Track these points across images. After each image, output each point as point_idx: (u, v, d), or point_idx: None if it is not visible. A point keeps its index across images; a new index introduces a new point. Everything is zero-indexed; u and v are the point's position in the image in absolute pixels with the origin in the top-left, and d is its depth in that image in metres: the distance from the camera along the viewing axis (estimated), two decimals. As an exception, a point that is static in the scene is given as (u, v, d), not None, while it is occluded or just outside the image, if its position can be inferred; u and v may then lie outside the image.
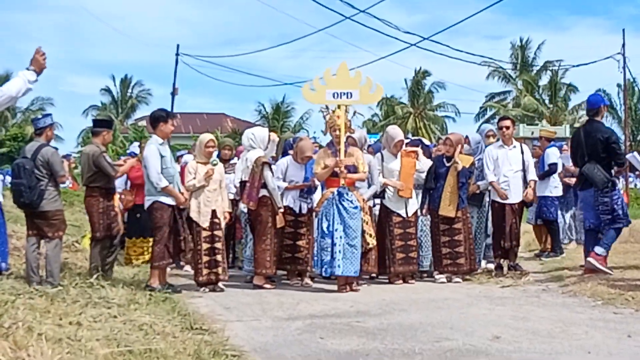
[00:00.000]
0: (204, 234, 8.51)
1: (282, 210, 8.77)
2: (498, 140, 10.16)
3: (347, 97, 8.95)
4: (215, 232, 8.59)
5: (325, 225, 8.43)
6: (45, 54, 5.74)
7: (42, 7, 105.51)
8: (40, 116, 8.41)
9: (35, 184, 7.76)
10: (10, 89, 5.60)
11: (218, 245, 8.59)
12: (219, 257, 8.56)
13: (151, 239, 8.64)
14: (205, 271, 8.49)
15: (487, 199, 9.95)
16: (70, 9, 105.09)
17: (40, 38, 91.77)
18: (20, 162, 7.85)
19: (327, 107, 8.92)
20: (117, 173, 8.93)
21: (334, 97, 8.94)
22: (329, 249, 8.36)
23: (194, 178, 8.52)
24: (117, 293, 7.17)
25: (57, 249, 8.02)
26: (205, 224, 8.51)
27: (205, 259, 8.49)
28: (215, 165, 8.72)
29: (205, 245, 8.49)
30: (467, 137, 10.43)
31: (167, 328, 5.62)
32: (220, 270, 8.57)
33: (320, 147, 10.04)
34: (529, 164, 9.86)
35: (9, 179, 8.48)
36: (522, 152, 9.87)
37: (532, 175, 9.87)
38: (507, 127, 9.85)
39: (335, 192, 8.51)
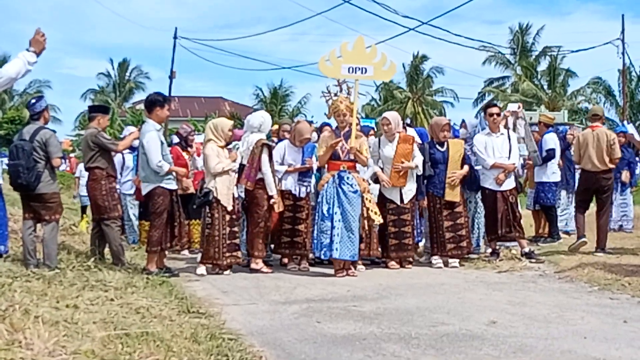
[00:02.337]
0: (227, 217, 8.54)
1: (274, 195, 8.70)
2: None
3: (362, 72, 8.91)
4: (234, 216, 8.64)
5: (325, 208, 8.43)
6: (45, 34, 5.72)
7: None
8: (34, 100, 8.32)
9: (32, 165, 7.72)
10: (9, 70, 5.58)
11: (236, 228, 8.66)
12: (237, 240, 8.65)
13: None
14: (227, 254, 8.52)
15: None
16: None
17: (38, 20, 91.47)
18: (19, 143, 7.81)
19: (328, 91, 8.85)
20: (118, 147, 8.90)
21: (349, 71, 8.88)
22: (328, 232, 8.37)
23: (220, 162, 8.50)
24: (114, 276, 7.17)
25: (54, 232, 8.02)
26: (229, 207, 8.54)
27: (227, 242, 8.51)
28: (237, 149, 8.71)
29: (227, 229, 8.52)
30: (463, 121, 10.44)
31: (164, 311, 5.63)
32: (239, 253, 8.65)
33: (316, 130, 10.00)
34: (513, 150, 9.72)
35: (6, 161, 8.45)
36: (509, 139, 9.75)
37: (513, 159, 9.69)
38: (498, 114, 9.77)
39: (336, 175, 8.50)
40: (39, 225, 8.15)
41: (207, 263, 8.58)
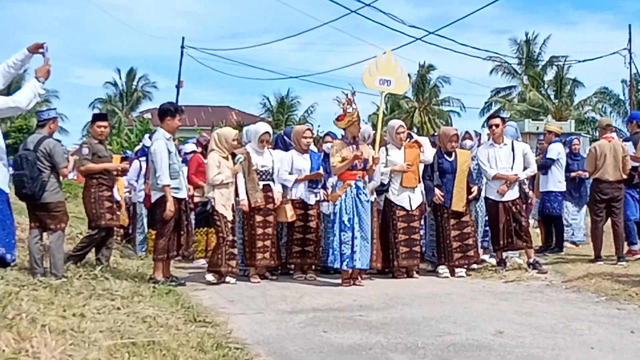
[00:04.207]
0: (229, 226, 8.57)
1: (242, 199, 8.71)
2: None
3: (387, 85, 9.29)
4: (232, 226, 8.66)
5: (346, 218, 8.40)
6: (50, 63, 5.78)
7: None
8: (44, 108, 8.39)
9: (37, 175, 7.75)
10: (22, 101, 5.64)
11: (234, 237, 8.68)
12: (235, 251, 8.65)
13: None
14: (228, 262, 8.53)
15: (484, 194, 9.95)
16: (76, 1, 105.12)
17: (46, 30, 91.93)
18: (23, 153, 7.84)
19: (347, 98, 8.80)
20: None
21: (379, 83, 9.25)
22: (350, 243, 8.36)
23: (220, 173, 8.49)
24: (120, 285, 7.18)
25: (59, 241, 8.03)
26: (229, 217, 8.56)
27: (229, 250, 8.53)
28: (241, 162, 8.72)
29: (229, 237, 8.53)
30: (467, 132, 10.44)
31: (170, 320, 5.63)
32: (234, 262, 8.65)
33: (317, 139, 10.03)
34: (517, 161, 9.62)
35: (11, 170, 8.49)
36: (513, 150, 9.68)
37: (517, 170, 9.60)
38: (497, 126, 9.66)
39: (354, 185, 8.49)
40: (45, 234, 8.17)
41: (212, 270, 8.60)
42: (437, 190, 9.25)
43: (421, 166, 9.42)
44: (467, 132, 10.44)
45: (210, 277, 8.55)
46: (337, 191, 8.60)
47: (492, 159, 9.58)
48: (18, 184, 7.77)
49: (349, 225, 8.39)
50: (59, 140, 8.43)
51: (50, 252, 7.98)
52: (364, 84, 9.34)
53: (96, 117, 9.37)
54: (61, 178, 8.25)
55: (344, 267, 8.44)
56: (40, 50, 5.80)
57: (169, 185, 8.12)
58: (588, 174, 10.70)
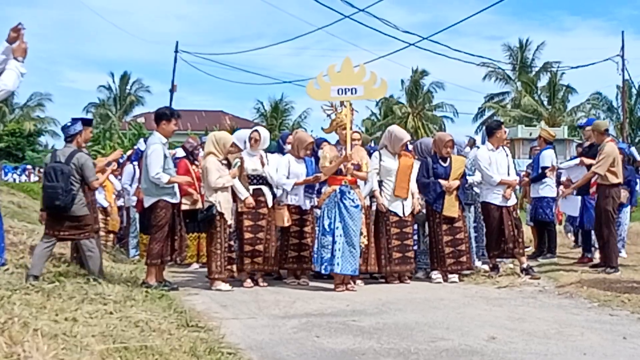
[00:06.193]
0: (228, 231, 8.56)
1: (250, 201, 8.69)
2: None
3: (352, 93, 8.83)
4: (231, 230, 8.64)
5: (326, 222, 8.41)
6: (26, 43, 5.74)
7: (42, 2, 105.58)
8: (69, 123, 8.36)
9: (70, 188, 7.84)
10: (8, 84, 5.63)
11: (232, 242, 8.69)
12: (233, 255, 8.64)
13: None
14: (228, 267, 8.52)
15: (479, 199, 9.95)
16: (70, 4, 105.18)
17: (40, 33, 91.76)
18: (57, 166, 7.89)
19: (331, 104, 8.82)
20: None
21: (338, 93, 8.82)
22: (330, 247, 8.35)
23: (220, 176, 8.45)
24: (113, 290, 7.16)
25: (93, 246, 8.10)
26: (230, 221, 8.55)
27: (227, 255, 8.49)
28: (238, 167, 8.69)
29: (226, 243, 8.49)
30: (471, 138, 10.47)
31: (163, 325, 5.62)
32: (235, 267, 8.63)
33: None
34: (511, 166, 9.75)
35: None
36: (507, 155, 9.78)
37: (514, 175, 9.75)
38: (506, 132, 9.81)
39: (338, 190, 8.49)
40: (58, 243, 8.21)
41: (216, 279, 8.44)
42: (443, 182, 9.23)
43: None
44: (471, 139, 10.47)
45: (222, 286, 8.37)
46: (322, 196, 8.65)
47: (493, 164, 9.60)
48: (52, 195, 7.83)
49: (328, 230, 8.38)
50: (88, 154, 8.42)
51: (90, 260, 8.06)
52: (311, 97, 9.07)
53: (88, 123, 9.28)
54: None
55: (323, 271, 8.48)
56: (14, 34, 5.78)
57: (170, 179, 8.14)
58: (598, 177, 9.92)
